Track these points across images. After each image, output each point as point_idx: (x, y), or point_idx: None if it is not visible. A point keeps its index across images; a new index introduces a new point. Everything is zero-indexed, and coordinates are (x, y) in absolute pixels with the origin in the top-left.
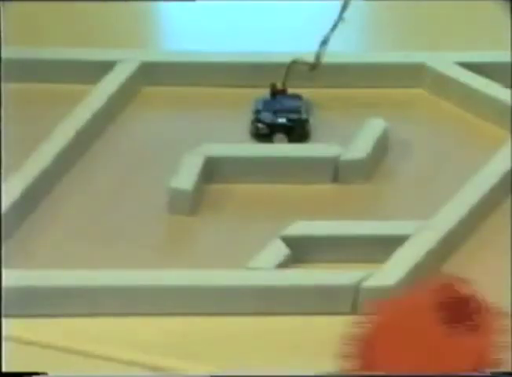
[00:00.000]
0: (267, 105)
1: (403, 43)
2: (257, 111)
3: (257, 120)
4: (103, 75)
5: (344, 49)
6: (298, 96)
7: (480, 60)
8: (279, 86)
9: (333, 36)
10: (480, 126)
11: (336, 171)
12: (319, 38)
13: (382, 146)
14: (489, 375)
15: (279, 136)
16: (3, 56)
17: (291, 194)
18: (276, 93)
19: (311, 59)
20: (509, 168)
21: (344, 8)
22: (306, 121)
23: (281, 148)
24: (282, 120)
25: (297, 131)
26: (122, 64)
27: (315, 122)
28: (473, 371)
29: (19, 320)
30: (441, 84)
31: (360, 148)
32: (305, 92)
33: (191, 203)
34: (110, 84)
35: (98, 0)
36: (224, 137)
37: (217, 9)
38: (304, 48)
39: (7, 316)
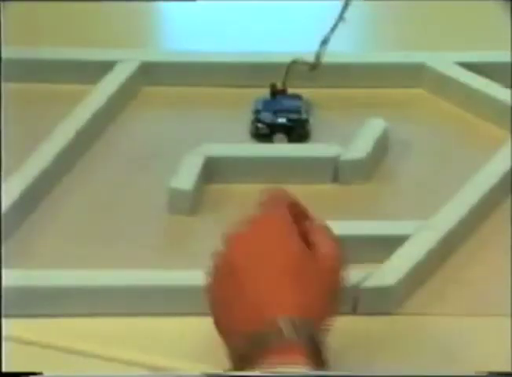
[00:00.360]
0: (267, 105)
1: (403, 43)
2: (257, 111)
3: (257, 120)
4: (103, 75)
5: (344, 49)
6: (297, 97)
7: (480, 60)
8: (279, 86)
9: (333, 36)
10: (480, 126)
11: (336, 171)
12: (319, 38)
13: (382, 146)
14: (486, 374)
15: (279, 136)
16: (3, 56)
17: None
18: (276, 93)
19: (311, 59)
20: (509, 168)
21: (344, 8)
22: (306, 121)
23: (281, 148)
24: (282, 120)
25: (297, 131)
26: (122, 64)
27: (315, 122)
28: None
29: (19, 320)
30: (441, 84)
31: (360, 148)
32: (305, 92)
33: (191, 203)
34: (110, 84)
35: (98, 0)
36: (224, 137)
37: (217, 9)
38: (304, 48)
39: (7, 316)
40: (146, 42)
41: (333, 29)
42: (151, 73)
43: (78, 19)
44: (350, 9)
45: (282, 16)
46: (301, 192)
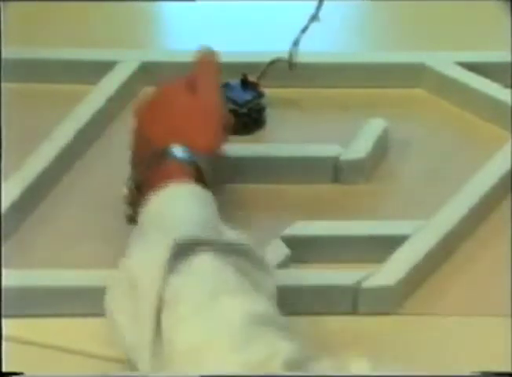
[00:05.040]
0: (224, 90)
1: (403, 43)
2: None
3: None
4: (103, 75)
5: (344, 49)
6: (258, 93)
7: (480, 60)
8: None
9: (333, 36)
10: (480, 126)
11: (336, 171)
12: (317, 38)
13: (382, 146)
14: (479, 375)
15: None
16: (3, 56)
17: (291, 194)
18: (246, 83)
19: (302, 58)
20: (509, 168)
21: (318, 8)
22: (244, 115)
23: (281, 148)
24: None
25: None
26: (122, 64)
27: (304, 121)
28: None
29: (19, 320)
30: (441, 84)
31: (360, 148)
32: (305, 92)
33: None
34: (110, 84)
35: (98, 0)
36: None
37: (218, 9)
38: (305, 48)
39: (7, 316)
40: (146, 42)
41: (304, 30)
42: (151, 73)
43: (78, 19)
44: (350, 9)
45: (284, 17)
46: (301, 192)
